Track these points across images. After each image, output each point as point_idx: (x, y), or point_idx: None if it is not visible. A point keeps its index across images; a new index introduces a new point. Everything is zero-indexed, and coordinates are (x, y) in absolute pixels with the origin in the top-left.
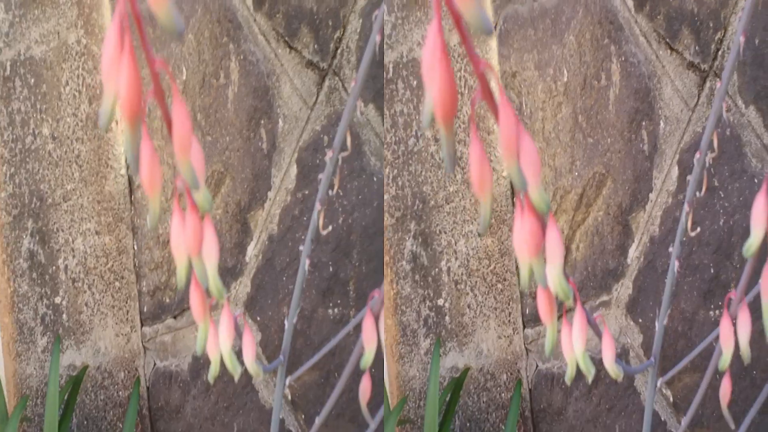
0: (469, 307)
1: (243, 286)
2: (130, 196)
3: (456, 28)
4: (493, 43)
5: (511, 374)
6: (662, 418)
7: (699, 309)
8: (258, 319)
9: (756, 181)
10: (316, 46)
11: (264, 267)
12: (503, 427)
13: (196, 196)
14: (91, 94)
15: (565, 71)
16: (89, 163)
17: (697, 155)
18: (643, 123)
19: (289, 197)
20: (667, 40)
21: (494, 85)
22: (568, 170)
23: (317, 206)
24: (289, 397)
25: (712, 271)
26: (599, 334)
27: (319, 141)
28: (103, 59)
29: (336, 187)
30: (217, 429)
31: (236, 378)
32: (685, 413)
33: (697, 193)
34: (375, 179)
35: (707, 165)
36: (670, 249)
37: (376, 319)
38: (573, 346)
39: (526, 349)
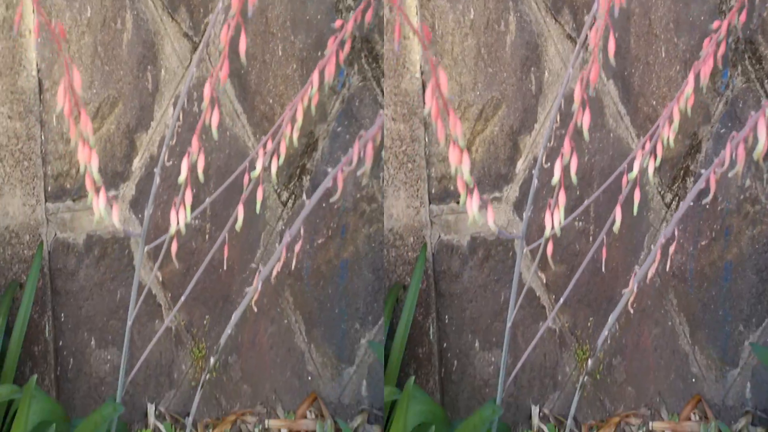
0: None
1: (129, 189)
2: (40, 95)
3: None
4: None
5: (417, 239)
6: (536, 294)
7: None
8: (139, 216)
9: (611, 135)
10: (190, 23)
11: (145, 177)
12: (409, 279)
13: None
14: (8, 1)
15: (472, 10)
16: (4, 58)
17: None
18: (532, 69)
19: (167, 129)
20: (553, 12)
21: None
22: (471, 88)
23: (164, 149)
24: (160, 278)
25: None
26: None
27: (190, 94)
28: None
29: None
30: (103, 293)
31: (107, 221)
32: (556, 294)
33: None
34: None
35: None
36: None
37: None
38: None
39: (431, 221)
